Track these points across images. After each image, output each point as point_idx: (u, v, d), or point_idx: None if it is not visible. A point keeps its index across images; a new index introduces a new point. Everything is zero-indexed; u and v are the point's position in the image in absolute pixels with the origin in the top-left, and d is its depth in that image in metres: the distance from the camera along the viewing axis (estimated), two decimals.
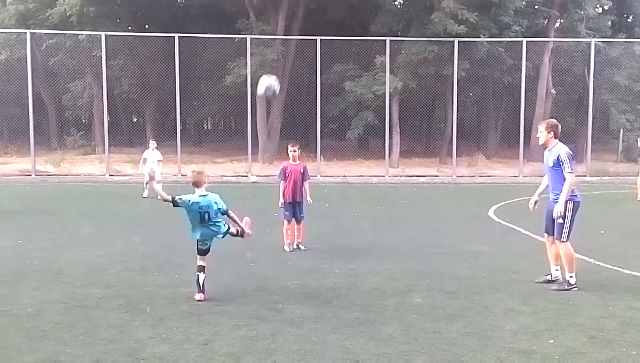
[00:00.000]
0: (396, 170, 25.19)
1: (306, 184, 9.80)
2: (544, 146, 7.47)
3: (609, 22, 31.59)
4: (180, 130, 23.98)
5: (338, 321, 6.02)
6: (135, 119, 46.51)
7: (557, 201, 7.20)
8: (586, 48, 26.12)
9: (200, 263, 6.86)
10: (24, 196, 17.34)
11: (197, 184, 7.11)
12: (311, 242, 9.84)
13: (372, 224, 12.34)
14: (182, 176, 22.57)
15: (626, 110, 28.69)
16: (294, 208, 9.64)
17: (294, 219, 9.62)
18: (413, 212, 14.56)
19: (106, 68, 23.49)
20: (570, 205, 7.16)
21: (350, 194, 18.24)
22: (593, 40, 25.13)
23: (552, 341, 5.47)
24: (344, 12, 31.22)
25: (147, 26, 34.34)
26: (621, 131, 28.27)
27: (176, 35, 23.02)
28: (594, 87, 24.70)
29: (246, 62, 23.93)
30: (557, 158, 7.20)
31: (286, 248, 9.49)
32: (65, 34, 26.86)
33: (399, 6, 30.82)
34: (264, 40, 26.37)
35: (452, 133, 24.97)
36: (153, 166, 16.46)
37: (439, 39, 24.73)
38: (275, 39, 26.90)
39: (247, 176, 21.83)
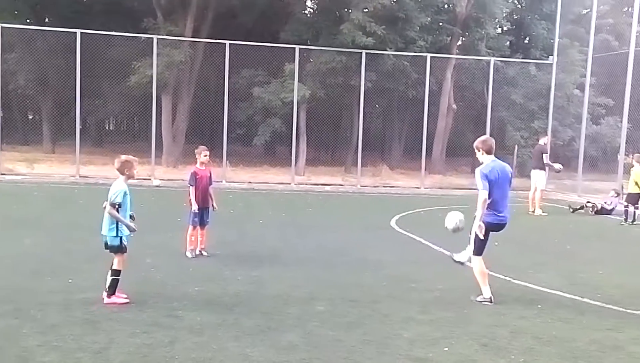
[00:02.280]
0: (302, 178, 25.30)
1: (211, 190, 9.68)
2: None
3: (508, 43, 33.20)
4: (80, 129, 23.07)
5: (239, 328, 5.95)
6: (31, 116, 44.34)
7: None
8: (486, 66, 27.30)
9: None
10: None
11: (119, 171, 6.84)
12: (214, 248, 9.69)
13: (277, 231, 12.32)
14: (80, 177, 21.71)
15: (521, 127, 30.19)
16: (202, 214, 9.47)
17: (199, 225, 9.45)
18: (318, 220, 14.66)
19: (1, 62, 22.24)
20: (480, 222, 7.31)
21: (256, 201, 18.15)
22: (492, 59, 26.29)
23: (446, 349, 5.64)
24: (254, 18, 31.11)
25: (47, 20, 32.86)
26: (516, 147, 29.72)
27: (78, 31, 22.12)
28: (492, 104, 25.82)
29: (152, 63, 23.35)
30: (475, 175, 7.35)
31: (188, 254, 9.30)
32: None
33: (309, 15, 31.11)
34: (171, 41, 25.85)
35: (357, 143, 25.37)
36: None
37: (347, 50, 25.12)
38: (183, 40, 26.44)
39: (150, 179, 21.28)
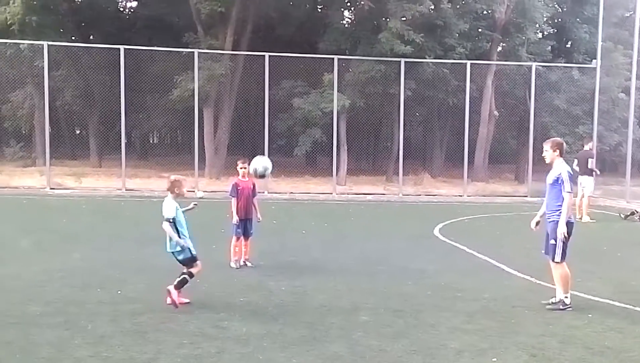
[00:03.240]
0: (343, 187, 25.30)
1: (255, 201, 9.76)
2: (550, 166, 7.47)
3: (549, 47, 32.67)
4: (125, 143, 23.54)
5: (284, 339, 5.97)
6: (78, 132, 45.44)
7: (549, 220, 7.24)
8: (527, 72, 26.93)
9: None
10: None
11: (169, 191, 7.19)
12: (258, 259, 9.76)
13: (319, 241, 12.34)
14: (126, 190, 22.13)
15: (565, 133, 29.60)
16: (245, 225, 9.56)
17: (242, 235, 9.54)
18: (360, 229, 14.63)
19: (48, 79, 22.89)
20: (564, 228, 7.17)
21: (298, 211, 18.22)
22: (534, 64, 25.92)
23: (495, 359, 5.55)
24: (292, 29, 31.36)
25: (91, 37, 33.69)
26: None
27: (122, 47, 22.64)
28: (534, 109, 25.43)
29: (193, 76, 23.72)
30: (559, 175, 7.22)
31: (233, 264, 9.39)
32: (6, 43, 26.07)
33: (347, 25, 31.18)
34: (212, 54, 26.22)
35: (398, 152, 25.27)
36: None
37: (386, 59, 25.09)
38: (223, 53, 26.79)
39: (194, 191, 21.57)
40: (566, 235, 7.15)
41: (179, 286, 6.91)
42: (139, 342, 5.75)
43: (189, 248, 7.00)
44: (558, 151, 7.40)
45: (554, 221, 7.23)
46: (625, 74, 28.72)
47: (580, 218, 16.85)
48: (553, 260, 7.24)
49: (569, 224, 7.20)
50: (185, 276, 6.95)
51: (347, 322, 6.62)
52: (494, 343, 5.99)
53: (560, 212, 7.19)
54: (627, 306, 7.53)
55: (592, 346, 5.98)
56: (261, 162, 9.10)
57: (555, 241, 7.17)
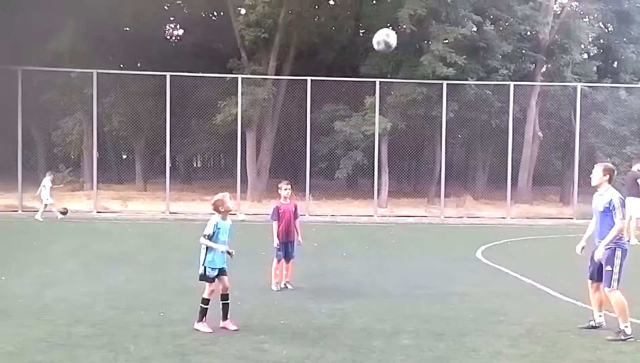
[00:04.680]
0: (385, 210, 25.21)
1: (297, 224, 9.82)
2: (595, 188, 7.37)
3: (595, 68, 32.12)
4: (170, 167, 23.99)
5: (325, 361, 5.96)
6: (124, 156, 46.45)
7: (607, 248, 7.07)
8: (572, 92, 26.52)
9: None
10: (9, 232, 17.19)
11: (215, 210, 7.30)
12: (299, 281, 9.79)
13: (360, 264, 12.31)
14: (170, 213, 22.49)
15: (612, 153, 28.94)
16: (286, 247, 9.62)
17: (283, 258, 9.59)
18: (401, 252, 14.55)
19: (97, 105, 23.56)
20: (618, 252, 7.02)
21: (339, 234, 18.22)
22: (579, 85, 25.53)
23: None
24: (334, 53, 31.62)
25: (139, 64, 34.57)
26: None
27: (168, 74, 23.18)
28: (580, 130, 25.00)
29: (237, 101, 24.08)
30: (610, 202, 7.09)
31: (274, 287, 9.43)
32: (57, 71, 26.96)
33: None
34: (255, 80, 26.61)
35: (440, 174, 25.10)
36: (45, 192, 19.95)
37: (428, 81, 25.05)
38: (266, 78, 27.16)
39: (236, 214, 21.79)
40: (605, 258, 7.00)
41: (201, 317, 7.05)
42: None
43: (208, 267, 7.10)
44: (608, 176, 7.26)
45: (609, 248, 7.03)
46: None
47: (629, 241, 16.41)
48: (609, 287, 7.00)
49: (624, 251, 7.05)
50: (201, 305, 7.07)
51: (388, 345, 6.58)
52: None
53: (615, 239, 7.05)
54: None
55: None
56: (379, 35, 8.22)
57: (612, 268, 6.98)
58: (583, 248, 7.50)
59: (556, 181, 34.44)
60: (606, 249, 7.05)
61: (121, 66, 31.55)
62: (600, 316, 7.30)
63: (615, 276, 6.97)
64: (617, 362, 6.13)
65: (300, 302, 8.59)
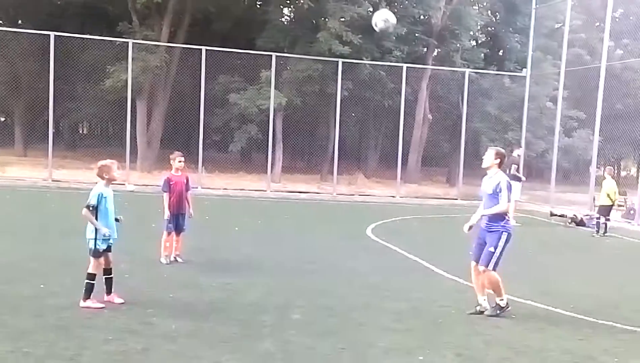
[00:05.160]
0: (278, 185, 25.26)
1: (189, 196, 9.61)
2: (485, 171, 7.43)
3: (482, 55, 33.58)
4: (53, 133, 22.75)
5: (215, 336, 5.90)
6: (2, 119, 43.71)
7: (490, 230, 7.21)
8: (461, 77, 27.57)
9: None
10: None
11: (99, 176, 6.86)
12: (189, 255, 9.61)
13: (253, 238, 12.27)
14: (52, 181, 21.40)
15: (495, 138, 30.48)
16: (177, 220, 9.39)
17: (174, 231, 9.37)
18: (293, 228, 14.64)
19: None
20: (504, 236, 7.17)
21: (231, 208, 18.07)
22: (467, 71, 26.57)
23: (421, 358, 5.65)
24: (230, 24, 31.03)
25: (20, 22, 32.41)
26: None
27: (52, 34, 21.85)
28: (467, 115, 26.07)
29: (127, 67, 23.15)
30: (497, 185, 7.20)
31: (163, 260, 9.21)
32: None
33: (285, 23, 31.13)
34: (147, 46, 25.67)
35: (333, 151, 25.41)
36: None
37: (324, 58, 25.19)
38: (158, 45, 26.28)
39: (124, 184, 21.05)
40: (502, 243, 7.19)
41: (87, 295, 6.61)
42: (63, 338, 5.56)
43: (98, 241, 6.63)
44: (499, 160, 7.39)
45: (496, 231, 7.21)
46: (553, 83, 29.81)
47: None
48: (486, 266, 7.20)
49: (509, 236, 7.23)
50: (87, 281, 6.62)
51: (279, 320, 6.60)
52: (421, 343, 6.09)
53: (502, 222, 7.24)
54: (549, 307, 7.81)
55: (515, 346, 6.16)
56: (379, 15, 8.05)
57: (494, 250, 7.15)
58: (471, 227, 7.54)
59: (443, 163, 35.90)
60: (492, 232, 7.23)
61: (0, 22, 29.45)
62: (484, 300, 7.42)
63: (495, 259, 7.17)
64: (493, 336, 6.46)
65: (190, 276, 8.43)
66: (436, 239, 14.03)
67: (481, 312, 7.31)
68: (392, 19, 7.93)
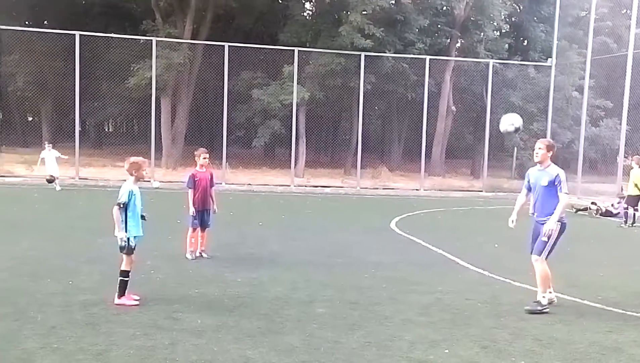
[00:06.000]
0: (301, 180, 25.32)
1: (213, 192, 9.68)
2: (539, 163, 7.29)
3: (506, 45, 33.22)
4: (79, 131, 23.06)
5: (239, 330, 5.94)
6: (30, 118, 44.36)
7: (545, 222, 7.11)
8: (484, 68, 27.34)
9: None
10: None
11: (128, 172, 6.89)
12: (214, 250, 9.68)
13: (277, 233, 12.31)
14: (79, 179, 21.69)
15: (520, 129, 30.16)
16: (202, 216, 9.47)
17: (199, 227, 9.44)
18: (317, 222, 14.66)
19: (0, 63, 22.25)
20: (557, 226, 7.09)
21: (255, 203, 18.15)
22: (491, 61, 26.34)
23: (447, 351, 5.63)
24: (252, 20, 31.16)
25: (45, 22, 32.86)
26: (515, 149, 29.72)
27: (77, 33, 22.14)
28: (491, 106, 25.85)
29: (151, 65, 23.36)
30: (556, 177, 7.10)
31: (188, 255, 9.29)
32: None
33: (307, 18, 31.13)
34: (170, 43, 25.87)
35: (357, 145, 25.39)
36: (52, 165, 18.44)
37: (346, 52, 25.15)
38: (182, 42, 26.45)
39: (150, 181, 21.28)
40: (556, 233, 7.10)
41: (121, 292, 6.65)
42: (91, 334, 5.64)
43: (128, 239, 6.65)
44: (551, 152, 7.26)
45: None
46: (579, 72, 29.40)
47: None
48: (539, 255, 7.13)
49: (563, 225, 7.16)
50: (121, 279, 6.66)
51: (303, 314, 6.62)
52: (447, 335, 6.07)
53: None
54: (575, 299, 7.72)
55: (541, 338, 6.11)
56: (507, 120, 7.76)
57: (548, 240, 7.09)
58: (514, 221, 7.55)
59: (467, 155, 35.63)
60: (544, 224, 7.13)
61: (26, 22, 29.87)
62: (550, 292, 7.31)
63: (548, 248, 7.12)
64: (519, 328, 6.41)
65: (215, 271, 8.50)
66: (461, 232, 13.94)
67: (550, 302, 7.22)
68: (517, 122, 7.78)
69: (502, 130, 7.83)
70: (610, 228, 15.95)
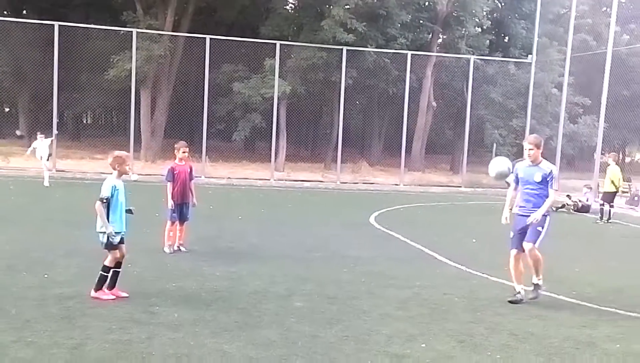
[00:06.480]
0: (281, 174, 25.27)
1: (192, 185, 9.63)
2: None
3: (487, 41, 33.38)
4: (57, 123, 22.77)
5: (217, 325, 5.92)
6: (7, 109, 43.77)
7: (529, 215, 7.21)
8: (465, 64, 27.47)
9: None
10: None
11: (111, 167, 6.78)
12: (193, 244, 9.64)
13: (256, 227, 12.29)
14: (57, 171, 21.45)
15: (499, 125, 30.40)
16: (181, 209, 9.42)
17: (178, 220, 9.39)
18: (297, 216, 14.66)
19: None
20: (548, 219, 7.26)
21: (235, 197, 18.10)
22: (472, 57, 26.45)
23: (424, 345, 5.66)
24: (234, 12, 30.96)
25: (24, 12, 32.40)
26: (494, 145, 29.90)
27: (56, 24, 21.86)
28: (471, 102, 25.98)
29: (131, 56, 23.14)
30: (550, 173, 7.20)
31: (166, 249, 9.24)
32: None
33: (290, 11, 31.02)
34: (151, 35, 25.64)
35: (337, 139, 25.39)
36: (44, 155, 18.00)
37: (328, 46, 25.11)
38: (162, 34, 26.23)
39: (128, 174, 21.13)
40: (541, 223, 7.24)
41: (99, 286, 6.59)
42: (66, 327, 5.60)
43: (114, 234, 6.57)
44: (541, 148, 7.34)
45: (543, 215, 7.22)
46: (559, 70, 29.65)
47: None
48: (534, 244, 7.25)
49: (550, 219, 7.35)
50: (101, 273, 6.60)
51: (281, 308, 6.63)
52: (424, 330, 6.11)
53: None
54: (551, 294, 7.80)
55: (517, 332, 6.17)
56: (497, 165, 7.71)
57: (542, 230, 7.23)
58: (507, 218, 7.63)
59: (447, 151, 35.79)
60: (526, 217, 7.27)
61: (5, 12, 29.44)
62: (522, 288, 7.39)
63: (541, 237, 7.27)
64: (495, 323, 6.47)
65: (193, 265, 8.47)
66: (439, 227, 14.02)
67: (520, 300, 7.30)
68: (502, 167, 7.75)
69: (493, 175, 7.85)
70: (586, 224, 16.15)
